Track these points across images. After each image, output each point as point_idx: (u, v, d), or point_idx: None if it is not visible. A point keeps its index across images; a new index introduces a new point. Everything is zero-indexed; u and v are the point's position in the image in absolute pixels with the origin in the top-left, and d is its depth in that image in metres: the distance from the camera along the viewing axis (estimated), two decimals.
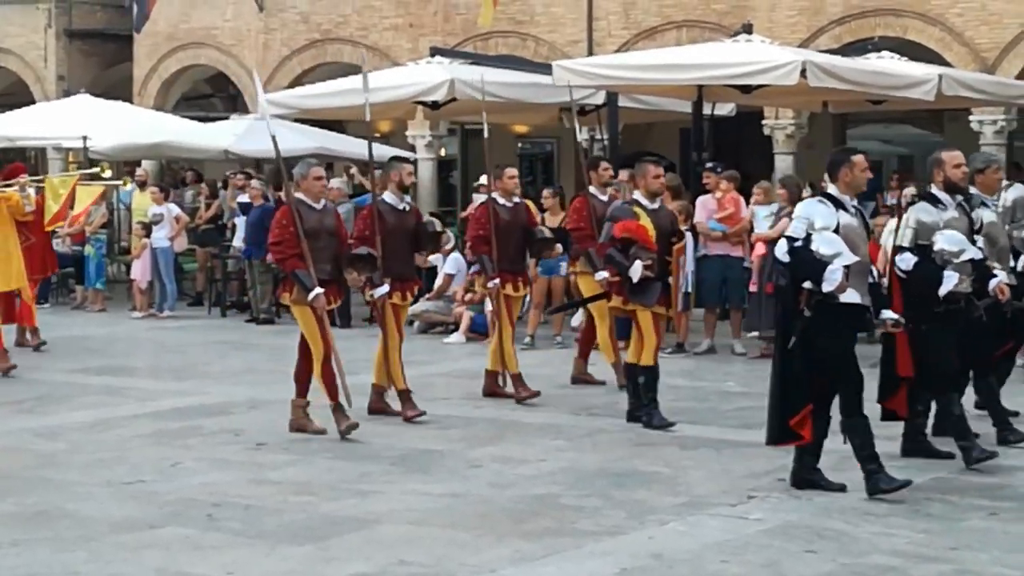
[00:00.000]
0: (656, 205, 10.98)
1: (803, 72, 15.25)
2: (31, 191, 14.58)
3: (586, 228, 12.59)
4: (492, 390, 12.28)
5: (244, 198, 19.36)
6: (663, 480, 8.91)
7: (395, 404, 11.27)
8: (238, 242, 19.45)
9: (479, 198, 18.61)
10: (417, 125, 24.14)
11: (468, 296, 16.97)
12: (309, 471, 9.21)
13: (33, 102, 27.41)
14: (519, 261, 12.55)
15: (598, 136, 21.33)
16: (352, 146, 22.35)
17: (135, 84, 27.87)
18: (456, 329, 16.83)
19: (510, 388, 12.15)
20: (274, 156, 22.11)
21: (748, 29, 17.82)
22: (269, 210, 18.92)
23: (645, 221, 10.76)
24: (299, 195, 10.60)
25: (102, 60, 29.43)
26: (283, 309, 19.20)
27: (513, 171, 12.75)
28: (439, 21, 24.81)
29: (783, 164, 21.70)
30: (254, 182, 19.33)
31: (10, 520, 7.85)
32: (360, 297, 19.50)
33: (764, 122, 22.04)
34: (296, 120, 20.99)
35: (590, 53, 22.43)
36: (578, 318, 16.91)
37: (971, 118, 20.81)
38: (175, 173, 26.38)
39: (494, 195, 12.40)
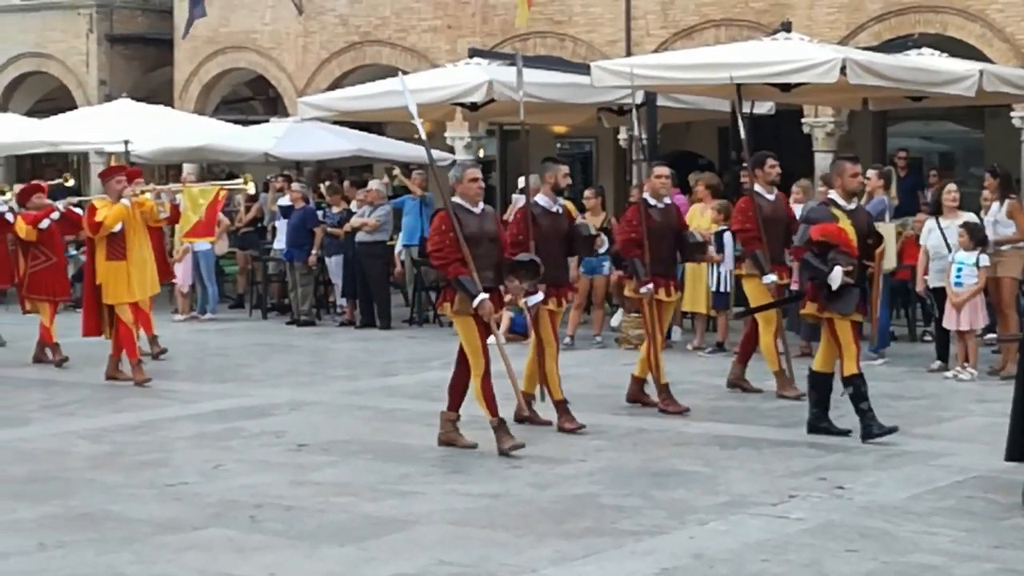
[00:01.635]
0: (853, 205, 10.38)
1: (843, 69, 15.18)
2: (165, 198, 14.19)
3: (753, 229, 12.25)
4: (636, 397, 11.78)
5: (285, 201, 19.45)
6: (703, 480, 8.90)
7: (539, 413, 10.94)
8: (279, 244, 19.55)
9: (519, 199, 18.67)
10: (456, 126, 24.16)
11: (508, 297, 16.96)
12: (350, 472, 9.24)
13: (75, 107, 27.57)
14: (671, 265, 12.00)
15: (636, 135, 21.30)
16: (391, 148, 22.42)
17: (176, 88, 28.02)
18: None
19: (654, 396, 11.63)
20: (313, 159, 22.27)
21: (787, 27, 17.73)
22: (310, 212, 19.07)
23: (844, 223, 10.16)
24: (456, 199, 10.07)
25: (143, 64, 29.60)
26: (324, 311, 19.40)
27: (663, 170, 11.95)
28: (477, 22, 24.83)
29: (823, 162, 21.56)
30: (295, 185, 19.43)
31: (55, 521, 7.92)
32: (400, 298, 19.71)
33: (803, 120, 21.94)
34: (335, 122, 21.05)
35: (628, 53, 22.39)
36: (617, 318, 16.93)
37: (1012, 114, 20.66)
38: (216, 177, 26.51)
39: (645, 196, 11.75)
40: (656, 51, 22.07)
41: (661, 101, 18.81)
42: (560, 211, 11.16)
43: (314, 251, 18.76)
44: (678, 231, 11.89)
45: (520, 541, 7.43)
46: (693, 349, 15.49)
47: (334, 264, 19.03)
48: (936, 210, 14.07)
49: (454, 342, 16.59)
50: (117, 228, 13.39)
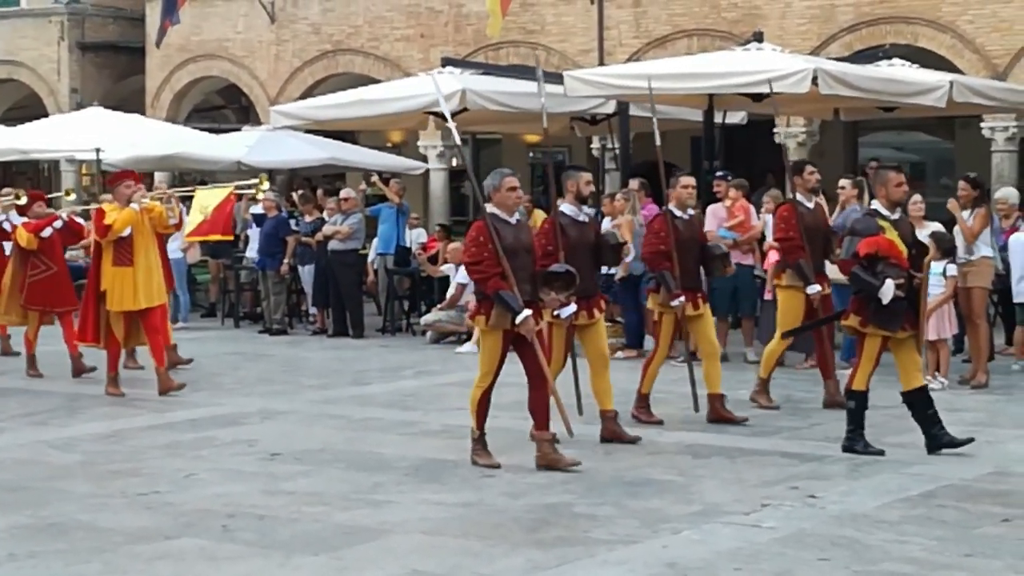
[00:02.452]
0: (897, 215, 10.01)
1: (814, 80, 15.26)
2: (175, 203, 13.92)
3: (796, 238, 11.94)
4: (719, 415, 11.35)
5: (257, 209, 19.41)
6: (676, 489, 8.91)
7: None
8: (251, 253, 19.51)
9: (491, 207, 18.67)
10: (429, 135, 24.19)
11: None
12: (323, 481, 9.23)
13: (46, 115, 27.50)
14: (697, 277, 11.60)
15: (609, 145, 21.36)
16: (363, 156, 22.41)
17: (147, 96, 27.97)
18: (469, 338, 16.84)
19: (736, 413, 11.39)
20: (286, 167, 22.22)
21: (759, 37, 17.83)
22: (283, 221, 19.04)
23: (892, 235, 9.79)
24: (491, 208, 9.63)
25: (114, 72, 29.53)
26: (296, 320, 19.36)
27: (689, 180, 11.70)
28: (450, 32, 24.87)
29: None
30: (268, 193, 19.39)
31: (25, 532, 7.87)
32: (373, 307, 19.68)
33: (775, 130, 22.04)
34: (307, 131, 21.04)
35: (601, 62, 22.46)
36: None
37: (982, 125, 20.80)
38: (186, 185, 26.44)
39: (670, 207, 11.46)
40: (629, 61, 22.14)
41: (633, 111, 18.85)
42: (587, 220, 10.77)
43: (286, 260, 18.73)
44: (701, 243, 11.66)
45: (493, 550, 7.43)
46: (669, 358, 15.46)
47: (307, 273, 19.01)
48: None
49: (427, 352, 16.72)
50: (125, 233, 13.09)
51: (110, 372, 13.22)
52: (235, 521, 8.07)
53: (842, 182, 15.23)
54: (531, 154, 27.64)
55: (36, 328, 14.71)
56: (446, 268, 18.39)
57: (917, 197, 14.33)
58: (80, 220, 15.28)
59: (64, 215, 14.97)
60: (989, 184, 18.36)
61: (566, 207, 10.69)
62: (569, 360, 10.91)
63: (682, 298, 11.22)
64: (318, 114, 19.74)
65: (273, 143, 20.83)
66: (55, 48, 29.10)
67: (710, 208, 15.88)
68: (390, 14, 25.57)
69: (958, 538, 7.62)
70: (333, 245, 18.23)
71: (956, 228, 13.95)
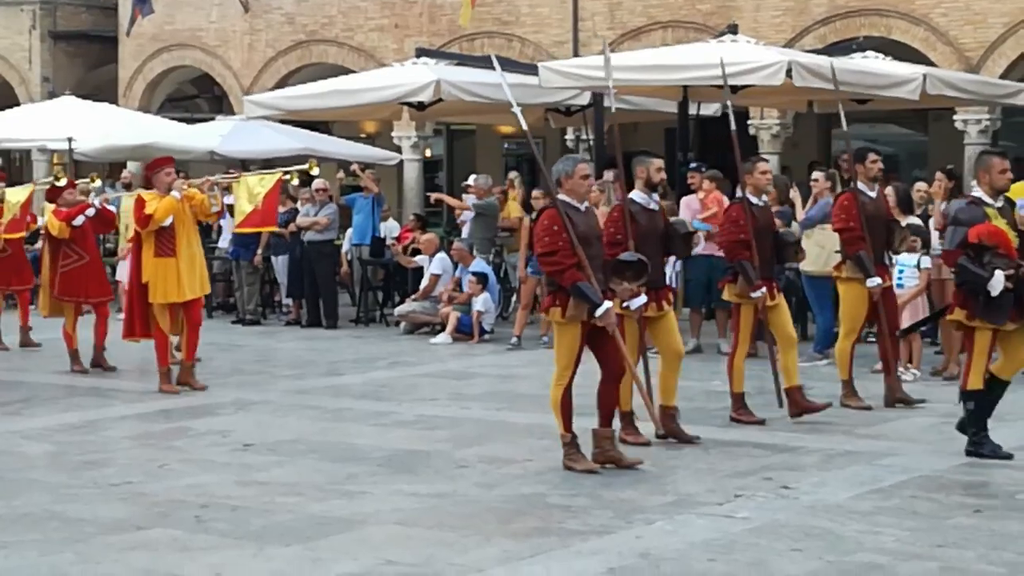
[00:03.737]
0: (1000, 203, 9.53)
1: (788, 72, 15.29)
2: (218, 191, 13.33)
3: (856, 228, 11.43)
4: (802, 407, 10.88)
5: (230, 199, 19.33)
6: (650, 479, 8.93)
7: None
8: (224, 243, 19.44)
9: (469, 199, 18.68)
10: (403, 126, 24.17)
11: (453, 296, 17.01)
12: (296, 472, 9.21)
13: (18, 104, 27.36)
14: (773, 266, 11.19)
15: (584, 136, 21.37)
16: (338, 147, 22.36)
17: (120, 85, 27.85)
18: (442, 329, 16.84)
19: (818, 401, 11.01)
20: (260, 158, 22.14)
21: (733, 29, 17.87)
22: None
23: (1000, 222, 9.34)
24: (563, 196, 9.14)
25: (87, 61, 29.39)
26: (269, 310, 19.31)
27: (766, 165, 11.33)
28: (424, 22, 24.83)
29: (769, 164, 21.72)
30: None
31: None
32: (347, 297, 19.65)
33: (749, 122, 22.08)
34: (281, 121, 20.98)
35: (575, 54, 22.46)
36: None
37: (955, 117, 20.88)
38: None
39: (746, 194, 10.99)
40: (603, 52, 22.13)
41: (608, 102, 18.85)
42: (657, 208, 10.32)
43: (259, 250, 18.67)
44: (774, 231, 11.26)
45: (467, 541, 7.43)
46: None
47: (280, 263, 18.97)
48: None
49: (401, 342, 16.70)
50: (167, 223, 12.66)
51: (161, 367, 12.74)
52: (208, 512, 8.05)
53: (815, 174, 15.28)
54: (505, 145, 27.64)
55: (74, 321, 14.23)
56: (420, 259, 18.37)
57: (889, 190, 14.39)
58: (112, 208, 14.73)
59: (97, 202, 14.45)
60: (962, 176, 18.44)
61: (636, 195, 10.26)
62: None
63: (763, 289, 10.78)
64: (292, 104, 19.70)
65: (247, 133, 20.76)
66: (27, 37, 28.95)
67: (684, 199, 15.92)
68: (364, 4, 25.51)
69: (931, 529, 7.65)
70: (309, 236, 18.18)
71: (931, 220, 14.02)
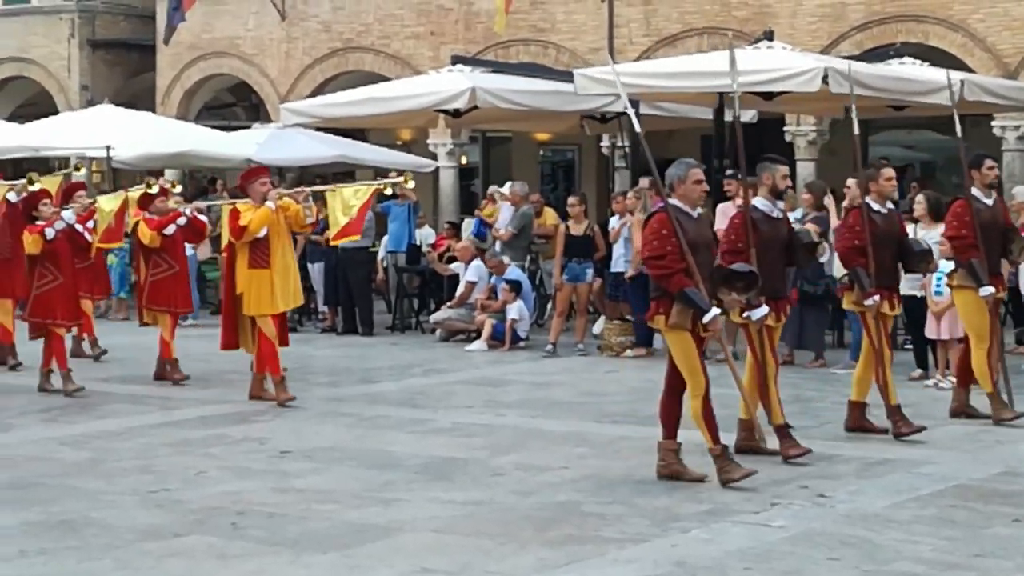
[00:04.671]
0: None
1: (825, 78, 15.24)
2: (312, 201, 12.90)
3: (969, 236, 11.06)
4: (858, 423, 10.65)
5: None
6: (686, 487, 8.90)
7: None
8: None
9: (506, 206, 18.68)
10: (439, 133, 24.20)
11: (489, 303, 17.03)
12: (333, 479, 9.23)
13: (56, 112, 27.54)
14: (895, 275, 10.87)
15: (619, 143, 21.36)
16: (373, 154, 22.43)
17: (158, 93, 28.01)
18: (478, 337, 16.86)
19: (878, 422, 10.67)
20: (296, 165, 22.18)
21: (769, 36, 17.82)
22: None
23: None
24: (674, 201, 8.95)
25: (125, 70, 29.58)
26: (306, 317, 19.37)
27: (891, 172, 10.88)
28: (460, 29, 24.87)
29: (805, 171, 21.69)
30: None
31: (36, 528, 7.89)
32: (382, 305, 19.69)
33: (785, 128, 22.02)
34: (317, 128, 21.06)
35: (611, 61, 22.43)
36: (600, 325, 16.96)
37: (993, 123, 20.77)
38: (198, 182, 26.50)
39: (868, 200, 10.70)
40: (639, 59, 22.13)
41: (644, 109, 18.83)
42: (780, 216, 10.06)
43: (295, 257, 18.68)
44: (901, 238, 10.87)
45: (503, 548, 7.43)
46: None
47: (316, 271, 19.01)
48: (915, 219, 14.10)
49: (436, 350, 16.71)
50: (261, 234, 12.39)
51: (274, 376, 12.45)
52: (245, 519, 8.08)
53: (849, 181, 15.21)
54: (541, 152, 27.65)
55: (172, 329, 13.95)
56: (456, 266, 18.39)
57: (920, 197, 14.31)
58: (203, 217, 14.46)
59: (188, 211, 14.20)
60: (1001, 183, 18.33)
61: (759, 201, 9.96)
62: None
63: (876, 297, 10.44)
64: (328, 112, 19.76)
65: (283, 141, 20.84)
66: (66, 45, 29.15)
67: (720, 207, 15.88)
68: (400, 12, 25.57)
69: (969, 538, 7.61)
70: (344, 243, 18.18)
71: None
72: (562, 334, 16.30)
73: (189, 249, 18.47)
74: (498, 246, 17.95)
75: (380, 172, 21.45)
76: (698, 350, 8.90)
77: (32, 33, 29.50)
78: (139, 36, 29.16)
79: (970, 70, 19.89)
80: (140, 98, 27.50)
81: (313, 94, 24.77)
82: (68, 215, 13.56)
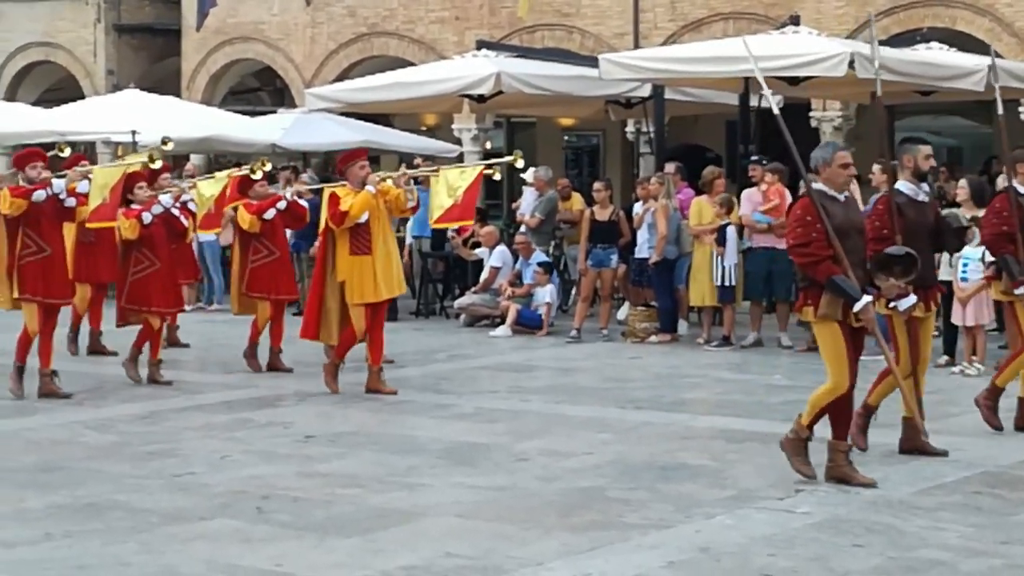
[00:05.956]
0: None
1: (851, 63, 15.18)
2: (413, 184, 12.47)
3: (1006, 231, 10.33)
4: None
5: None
6: (710, 473, 8.89)
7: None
8: None
9: (529, 192, 18.67)
10: (463, 118, 24.17)
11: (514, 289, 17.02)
12: (357, 464, 9.25)
13: (82, 96, 27.61)
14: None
15: (644, 129, 21.31)
16: (398, 139, 22.43)
17: (183, 78, 28.04)
18: (502, 322, 16.85)
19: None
20: (321, 150, 22.17)
21: (795, 21, 17.75)
22: (317, 204, 18.98)
23: None
24: (819, 185, 8.50)
25: (151, 55, 29.62)
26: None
27: None
28: (485, 14, 24.83)
29: None
30: (303, 176, 19.39)
31: (62, 512, 7.92)
32: (407, 290, 19.66)
33: (811, 114, 21.93)
34: (342, 114, 21.06)
35: (636, 46, 22.39)
36: (624, 311, 16.94)
37: (1021, 109, 20.63)
38: (222, 167, 26.55)
39: (1015, 183, 10.26)
40: (664, 44, 22.07)
41: (669, 94, 18.81)
42: (926, 200, 9.53)
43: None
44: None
45: (527, 534, 7.43)
46: (703, 343, 15.45)
47: None
48: (949, 204, 14.02)
49: (460, 335, 16.72)
50: (362, 219, 11.99)
51: (336, 359, 12.27)
52: (269, 503, 8.10)
53: (874, 167, 15.15)
54: (565, 137, 27.61)
55: (267, 317, 13.55)
56: (480, 252, 18.38)
57: (963, 182, 14.20)
58: (303, 202, 13.99)
59: (288, 195, 13.80)
60: None
61: (903, 185, 9.48)
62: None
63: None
64: (353, 97, 19.77)
65: (308, 126, 20.86)
66: (91, 30, 29.20)
67: (745, 192, 15.84)
68: None
69: (995, 525, 7.58)
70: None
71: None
72: (586, 320, 16.29)
73: (212, 235, 18.48)
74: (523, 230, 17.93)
75: (404, 158, 21.49)
76: (849, 347, 8.36)
77: (58, 18, 29.56)
78: (164, 21, 29.20)
79: (998, 55, 19.76)
80: (165, 83, 27.54)
81: (338, 79, 24.78)
82: (166, 199, 13.14)
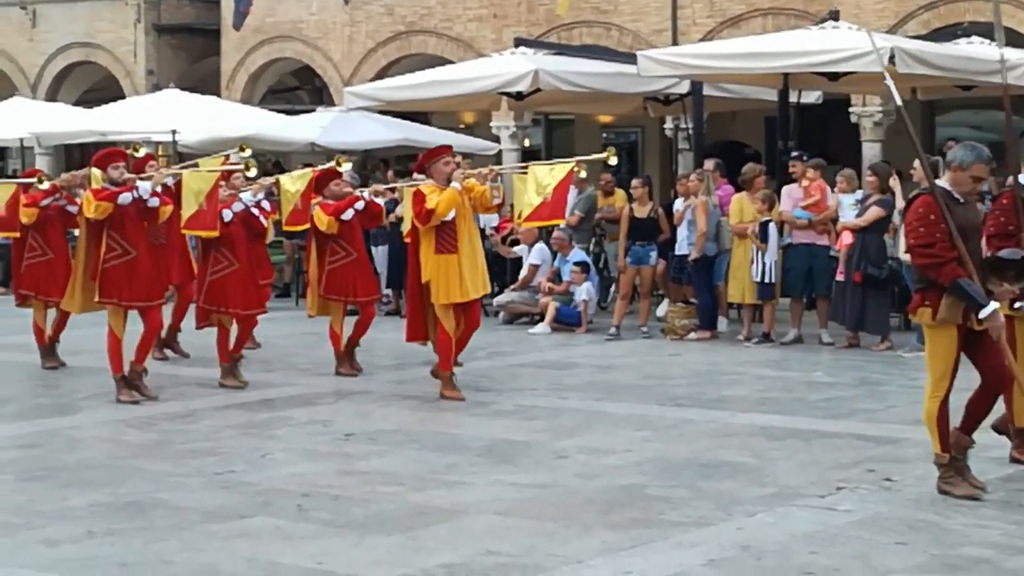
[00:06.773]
0: None
1: (891, 58, 15.09)
2: (500, 181, 12.08)
3: None
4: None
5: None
6: (750, 471, 8.86)
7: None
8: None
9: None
10: (501, 116, 24.18)
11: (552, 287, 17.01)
12: (397, 462, 9.26)
13: (122, 96, 27.78)
14: None
15: (683, 125, 21.26)
16: (436, 137, 22.44)
17: (223, 78, 28.17)
18: (541, 319, 16.85)
19: None
20: (359, 149, 22.21)
21: (835, 16, 17.68)
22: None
23: None
24: (942, 183, 8.17)
25: (190, 54, 29.78)
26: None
27: None
28: (523, 12, 24.83)
29: (870, 152, 21.51)
30: (345, 176, 19.38)
31: (104, 509, 7.97)
32: None
33: (851, 109, 21.84)
34: (381, 112, 21.11)
35: (674, 42, 22.35)
36: (663, 308, 16.90)
37: None
38: (262, 166, 26.63)
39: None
40: (702, 40, 22.01)
41: (707, 90, 18.75)
42: (967, 200, 8.76)
43: None
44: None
45: (567, 532, 7.42)
46: (743, 340, 15.39)
47: (380, 254, 19.04)
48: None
49: (500, 332, 16.72)
50: (449, 217, 11.62)
51: (443, 371, 11.90)
52: (310, 500, 8.12)
53: (916, 163, 15.05)
54: (604, 134, 27.57)
55: (341, 320, 13.26)
56: (519, 249, 18.38)
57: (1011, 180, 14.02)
58: (379, 201, 13.66)
59: (366, 195, 13.42)
60: None
61: (944, 183, 8.78)
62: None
63: None
64: (392, 95, 19.81)
65: (347, 124, 20.91)
66: (131, 30, 29.38)
67: (785, 188, 15.78)
68: None
69: None
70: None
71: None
72: (625, 317, 16.26)
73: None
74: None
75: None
76: (957, 352, 8.03)
77: (99, 19, 29.76)
78: (204, 21, 29.35)
79: None
80: (205, 82, 27.67)
81: (376, 77, 24.85)
82: (247, 197, 12.93)
